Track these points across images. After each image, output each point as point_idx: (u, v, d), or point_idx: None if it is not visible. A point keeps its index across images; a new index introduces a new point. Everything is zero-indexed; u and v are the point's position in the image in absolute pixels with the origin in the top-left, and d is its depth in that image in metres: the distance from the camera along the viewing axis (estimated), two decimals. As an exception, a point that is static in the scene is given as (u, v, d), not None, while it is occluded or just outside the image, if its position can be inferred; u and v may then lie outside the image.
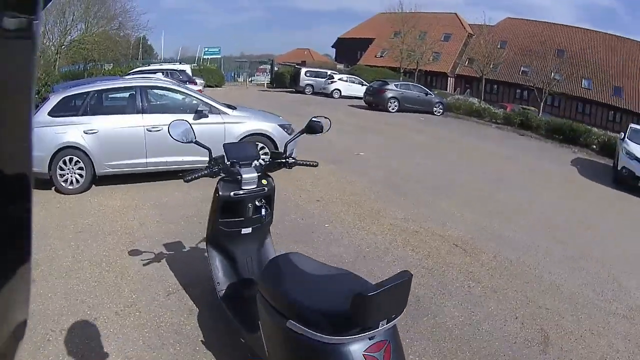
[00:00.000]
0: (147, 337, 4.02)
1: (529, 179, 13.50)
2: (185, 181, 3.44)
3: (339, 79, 35.95)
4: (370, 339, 2.26)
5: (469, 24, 59.03)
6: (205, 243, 4.11)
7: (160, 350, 3.90)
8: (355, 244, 6.49)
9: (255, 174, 3.60)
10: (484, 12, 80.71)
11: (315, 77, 36.74)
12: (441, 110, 27.64)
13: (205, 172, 3.49)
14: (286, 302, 2.50)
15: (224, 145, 3.84)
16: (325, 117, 4.09)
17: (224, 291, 3.77)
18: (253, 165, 3.68)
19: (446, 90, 50.69)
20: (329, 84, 35.13)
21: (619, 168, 15.40)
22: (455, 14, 61.62)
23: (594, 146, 22.35)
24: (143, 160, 8.49)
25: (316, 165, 4.16)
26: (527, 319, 5.27)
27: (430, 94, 28.76)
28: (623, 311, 5.95)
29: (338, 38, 73.85)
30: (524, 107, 37.63)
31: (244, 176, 3.54)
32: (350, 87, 35.37)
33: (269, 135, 9.29)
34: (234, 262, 3.85)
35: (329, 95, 34.14)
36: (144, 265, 5.23)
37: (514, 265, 6.69)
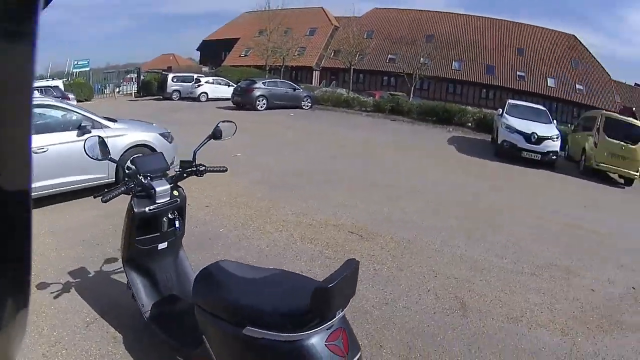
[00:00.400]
0: (82, 375, 3.79)
1: (407, 162, 14.40)
2: (103, 201, 3.37)
3: (205, 82, 35.96)
4: (328, 329, 2.47)
5: (335, 17, 61.21)
6: (118, 265, 4.01)
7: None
8: (254, 245, 6.58)
9: (168, 186, 3.69)
10: (353, 4, 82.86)
11: (182, 82, 37.17)
12: (309, 104, 28.59)
13: (123, 189, 3.47)
14: (238, 309, 2.63)
15: (134, 159, 3.79)
16: (231, 121, 4.24)
17: (149, 312, 3.73)
18: (164, 177, 3.77)
19: (311, 83, 52.03)
20: (196, 87, 35.16)
21: (499, 142, 16.98)
22: (322, 7, 63.70)
23: (469, 124, 24.16)
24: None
25: (225, 171, 4.25)
26: (440, 290, 5.63)
27: (298, 89, 29.59)
28: (530, 270, 6.65)
29: (203, 40, 73.56)
30: (392, 93, 39.52)
31: (157, 189, 3.60)
32: (217, 89, 35.58)
33: (151, 146, 9.14)
34: (155, 280, 3.86)
35: (197, 99, 34.09)
36: (54, 298, 4.92)
37: (412, 244, 7.09)
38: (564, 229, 9.05)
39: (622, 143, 16.09)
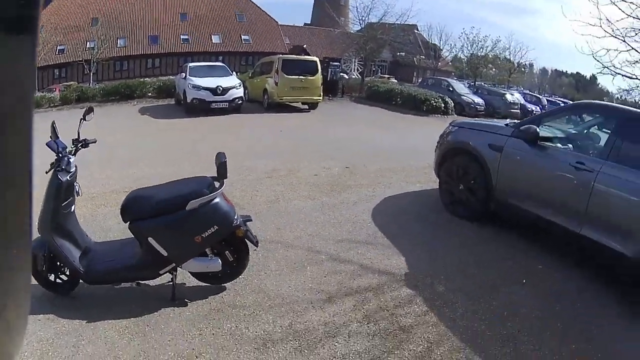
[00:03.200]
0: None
1: (125, 136, 14.50)
2: (47, 172, 4.28)
3: None
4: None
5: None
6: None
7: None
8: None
9: (74, 158, 4.51)
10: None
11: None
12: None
13: (66, 160, 4.38)
14: (176, 199, 4.23)
15: (52, 142, 4.41)
16: (92, 108, 4.92)
17: (82, 266, 4.41)
18: (69, 152, 4.55)
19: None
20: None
21: (189, 100, 18.61)
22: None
23: (150, 94, 25.54)
24: None
25: (95, 141, 4.93)
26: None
27: None
28: (263, 176, 8.74)
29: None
30: (65, 84, 38.15)
31: (71, 161, 4.43)
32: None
33: None
34: (74, 239, 4.54)
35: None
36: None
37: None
38: (269, 147, 11.59)
39: (301, 77, 19.87)
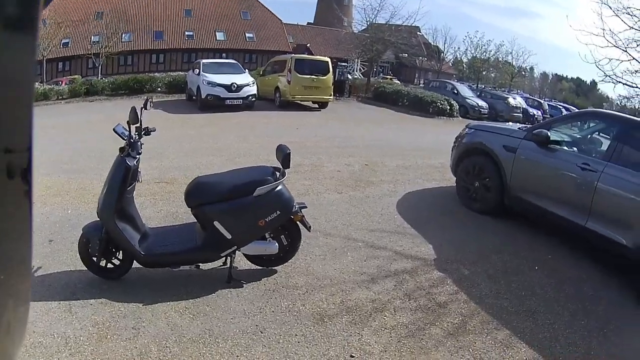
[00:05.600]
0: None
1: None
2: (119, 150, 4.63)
3: None
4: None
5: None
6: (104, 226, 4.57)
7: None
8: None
9: (140, 145, 4.83)
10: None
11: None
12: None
13: (139, 146, 4.77)
14: (247, 185, 4.60)
15: (117, 128, 4.68)
16: (147, 100, 5.01)
17: (142, 249, 4.63)
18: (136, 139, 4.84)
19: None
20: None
21: (203, 97, 18.98)
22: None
23: (159, 89, 25.90)
24: None
25: (155, 130, 5.18)
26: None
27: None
28: (293, 169, 8.64)
29: None
30: (70, 77, 38.32)
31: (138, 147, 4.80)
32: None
33: None
34: (134, 223, 4.78)
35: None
36: None
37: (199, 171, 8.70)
38: (288, 143, 11.34)
39: (313, 77, 20.42)
